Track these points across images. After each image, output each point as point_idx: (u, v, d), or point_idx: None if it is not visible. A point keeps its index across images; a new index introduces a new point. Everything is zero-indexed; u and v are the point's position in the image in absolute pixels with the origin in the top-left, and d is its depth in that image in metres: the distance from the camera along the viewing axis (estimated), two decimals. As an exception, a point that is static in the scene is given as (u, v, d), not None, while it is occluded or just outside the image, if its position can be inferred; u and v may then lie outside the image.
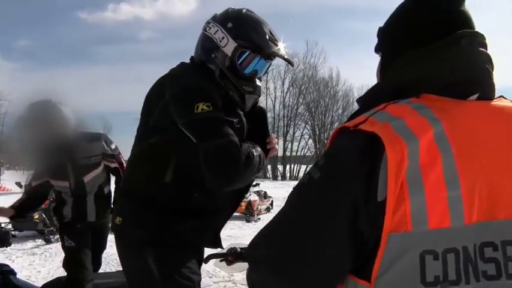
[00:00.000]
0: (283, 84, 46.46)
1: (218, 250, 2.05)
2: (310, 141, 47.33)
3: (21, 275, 4.50)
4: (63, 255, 3.51)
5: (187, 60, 1.99)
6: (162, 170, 1.78)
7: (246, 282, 0.97)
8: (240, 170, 1.63)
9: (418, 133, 0.79)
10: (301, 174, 44.04)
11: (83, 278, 3.23)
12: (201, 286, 1.92)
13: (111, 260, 6.68)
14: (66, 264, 3.41)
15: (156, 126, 1.78)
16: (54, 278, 3.74)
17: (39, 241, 8.14)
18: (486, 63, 0.90)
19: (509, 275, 0.81)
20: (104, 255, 7.20)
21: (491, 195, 0.81)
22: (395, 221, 0.77)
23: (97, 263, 3.65)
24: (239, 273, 2.07)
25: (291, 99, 46.62)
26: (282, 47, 1.92)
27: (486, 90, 0.90)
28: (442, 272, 0.77)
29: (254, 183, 13.70)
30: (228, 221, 2.06)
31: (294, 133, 47.22)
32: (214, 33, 1.85)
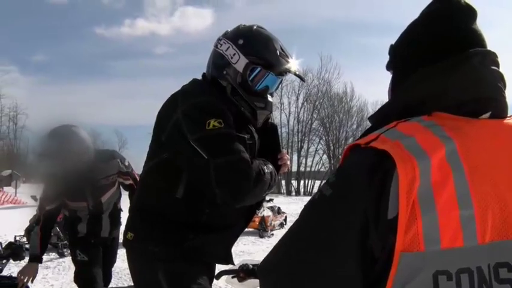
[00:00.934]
0: (297, 99, 46.58)
1: (230, 266, 2.03)
2: (325, 156, 47.22)
3: (35, 288, 4.51)
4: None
5: (200, 76, 2.01)
6: (173, 185, 1.78)
7: (257, 299, 0.96)
8: (250, 187, 1.63)
9: (430, 152, 0.78)
10: (315, 190, 43.78)
11: None
12: (212, 302, 1.90)
13: (123, 274, 6.68)
14: (77, 278, 3.41)
15: (168, 142, 1.78)
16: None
17: (53, 254, 8.17)
18: (498, 81, 0.90)
19: None
20: (115, 269, 7.19)
21: (504, 214, 0.80)
22: (408, 241, 0.76)
23: (108, 277, 3.64)
24: (251, 290, 2.06)
25: (305, 115, 46.68)
26: (293, 63, 1.92)
27: (498, 108, 0.89)
28: None
29: (268, 198, 13.69)
30: (241, 237, 2.05)
31: (308, 148, 47.15)
32: (226, 50, 1.86)
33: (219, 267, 2.03)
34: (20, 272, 3.10)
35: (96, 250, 3.44)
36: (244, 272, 1.94)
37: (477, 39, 0.93)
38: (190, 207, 1.79)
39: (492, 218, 0.79)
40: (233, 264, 1.99)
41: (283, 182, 45.45)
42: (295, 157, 46.79)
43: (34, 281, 3.14)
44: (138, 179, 3.32)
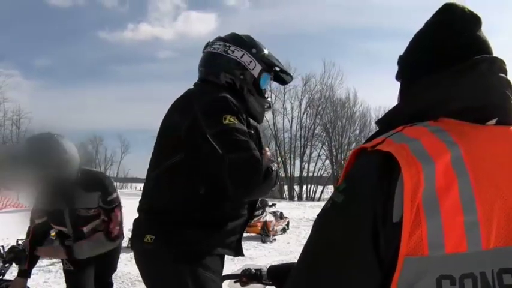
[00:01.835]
0: (300, 104, 46.61)
1: (232, 271, 2.03)
2: (327, 162, 47.12)
3: (37, 292, 4.51)
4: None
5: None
6: (195, 182, 1.83)
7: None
8: (260, 182, 1.73)
9: (435, 156, 0.78)
10: (317, 195, 43.82)
11: None
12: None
13: (125, 278, 6.68)
14: None
15: (188, 140, 1.82)
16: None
17: (55, 259, 8.18)
18: (506, 88, 0.90)
19: None
20: (117, 273, 7.20)
21: (508, 220, 0.80)
22: (412, 245, 0.76)
23: (108, 285, 3.52)
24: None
25: (308, 120, 46.69)
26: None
27: (505, 115, 0.90)
28: None
29: (270, 203, 13.68)
30: (243, 241, 2.06)
31: (310, 154, 47.09)
32: (241, 57, 2.05)
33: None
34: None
35: (84, 261, 3.14)
36: (246, 277, 1.95)
37: (483, 47, 0.94)
38: (212, 202, 1.85)
39: (497, 224, 0.79)
40: (243, 255, 2.03)
41: (285, 187, 45.42)
42: (297, 162, 46.82)
43: (36, 286, 3.11)
44: (115, 220, 3.08)
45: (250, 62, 2.05)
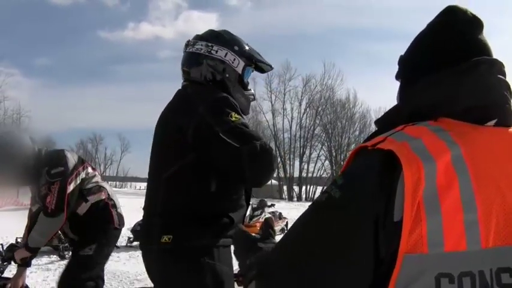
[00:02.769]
0: (300, 105, 46.74)
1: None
2: (327, 162, 47.22)
3: (35, 291, 4.51)
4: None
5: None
6: (206, 181, 1.89)
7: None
8: (272, 169, 1.88)
9: (436, 155, 0.79)
10: (316, 196, 43.75)
11: None
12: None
13: (123, 277, 6.69)
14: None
15: (196, 141, 1.87)
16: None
17: (54, 257, 8.18)
18: (505, 90, 0.91)
19: None
20: (117, 273, 7.18)
21: (508, 219, 0.80)
22: (411, 242, 0.76)
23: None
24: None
25: (307, 120, 46.82)
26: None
27: (504, 116, 0.90)
28: None
29: (269, 203, 13.69)
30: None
31: (310, 154, 47.20)
32: (225, 56, 2.10)
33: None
34: (13, 284, 3.08)
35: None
36: (243, 276, 1.95)
37: (483, 49, 0.95)
38: (224, 197, 1.93)
39: (496, 223, 0.79)
40: None
41: (285, 187, 45.44)
42: (297, 163, 46.87)
43: (35, 284, 3.12)
44: (54, 193, 3.06)
45: (234, 59, 2.10)
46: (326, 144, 47.06)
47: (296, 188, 46.16)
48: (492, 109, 0.89)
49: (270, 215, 12.45)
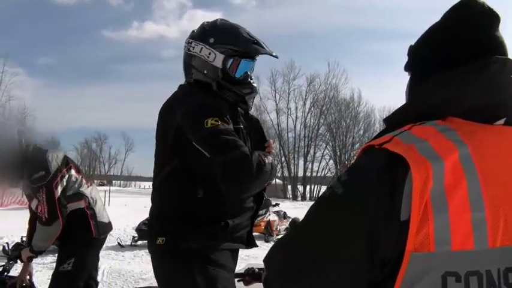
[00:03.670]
0: (304, 104, 46.67)
1: (236, 270, 2.04)
2: (331, 162, 47.19)
3: (41, 289, 4.53)
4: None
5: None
6: (192, 187, 1.85)
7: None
8: (252, 179, 1.72)
9: (443, 155, 0.78)
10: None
11: None
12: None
13: (128, 276, 6.70)
14: None
15: (176, 148, 1.86)
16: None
17: (59, 256, 8.20)
18: None
19: None
20: (122, 272, 7.20)
21: None
22: (418, 241, 0.76)
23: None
24: (256, 293, 2.06)
25: (312, 120, 46.75)
26: (263, 45, 2.01)
27: None
28: None
29: (274, 203, 13.68)
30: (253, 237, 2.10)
31: (314, 154, 47.16)
32: (200, 51, 1.96)
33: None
34: (20, 277, 3.11)
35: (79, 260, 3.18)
36: (250, 276, 1.95)
37: (498, 46, 0.93)
38: (213, 202, 1.86)
39: (504, 223, 0.79)
40: (256, 246, 2.05)
41: (289, 187, 45.42)
42: (301, 162, 46.83)
43: (40, 283, 3.14)
44: (43, 202, 2.99)
45: (210, 54, 1.95)
46: (330, 143, 47.02)
47: (300, 188, 46.10)
48: (502, 108, 0.89)
49: (274, 215, 12.46)
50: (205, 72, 1.97)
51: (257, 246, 2.05)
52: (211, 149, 1.73)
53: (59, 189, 3.03)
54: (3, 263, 3.11)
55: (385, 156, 0.81)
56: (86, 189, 3.23)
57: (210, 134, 1.74)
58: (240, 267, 2.09)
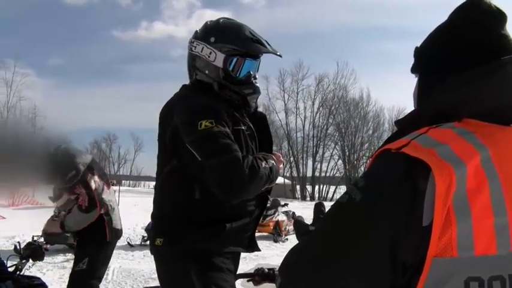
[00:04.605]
0: (313, 104, 46.49)
1: (245, 270, 2.04)
2: (340, 162, 46.91)
3: (52, 288, 4.57)
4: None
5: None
6: (190, 188, 1.84)
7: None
8: (245, 184, 1.69)
9: (465, 159, 0.77)
10: (330, 195, 43.58)
11: None
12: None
13: (138, 276, 6.73)
14: None
15: (173, 149, 1.86)
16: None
17: (70, 255, 8.21)
18: None
19: None
20: (132, 271, 7.24)
21: None
22: (441, 246, 0.76)
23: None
24: (266, 293, 2.07)
25: (320, 120, 46.52)
26: (266, 44, 1.98)
27: None
28: None
29: (282, 203, 13.65)
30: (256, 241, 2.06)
31: (323, 153, 46.91)
32: (201, 51, 1.94)
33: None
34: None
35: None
36: (259, 276, 1.96)
37: (507, 45, 0.91)
38: (211, 204, 1.83)
39: None
40: (259, 250, 2.02)
41: (298, 187, 45.31)
42: (310, 162, 46.68)
43: (51, 282, 3.18)
44: (82, 194, 3.34)
45: (210, 53, 1.92)
46: (339, 143, 46.76)
47: (309, 188, 45.95)
48: None
49: (283, 215, 12.43)
50: (206, 72, 1.96)
51: (259, 250, 2.03)
52: (203, 152, 1.72)
53: (93, 183, 3.39)
54: (16, 262, 3.13)
55: (404, 161, 0.80)
56: (107, 196, 3.51)
57: (202, 137, 1.73)
58: (249, 267, 2.09)
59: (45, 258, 3.28)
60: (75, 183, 3.34)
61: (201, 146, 1.73)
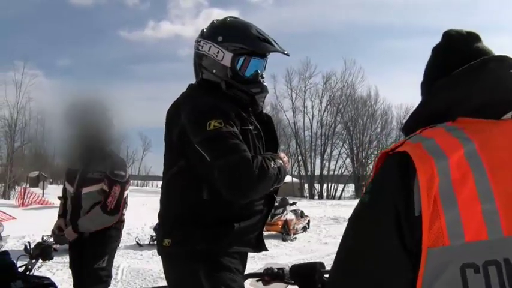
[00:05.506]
0: (320, 102, 46.46)
1: (254, 270, 2.04)
2: (348, 160, 46.84)
3: (61, 288, 4.60)
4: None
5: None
6: (198, 189, 1.83)
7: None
8: (254, 184, 1.69)
9: (448, 152, 0.84)
10: (338, 194, 43.56)
11: None
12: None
13: (147, 275, 6.76)
14: None
15: (181, 149, 1.85)
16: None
17: (79, 255, 8.31)
18: None
19: None
20: (140, 271, 7.26)
21: None
22: (433, 236, 0.80)
23: (84, 278, 3.51)
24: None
25: (328, 118, 46.50)
26: (273, 42, 1.97)
27: None
28: (485, 286, 0.77)
29: (291, 202, 13.65)
30: (264, 240, 2.06)
31: (331, 152, 46.86)
32: (209, 50, 1.94)
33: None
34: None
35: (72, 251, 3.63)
36: (269, 276, 1.95)
37: (489, 52, 1.02)
38: (219, 204, 1.83)
39: None
40: (266, 250, 2.01)
41: (306, 185, 45.30)
42: (318, 161, 46.63)
43: (61, 281, 3.20)
44: (113, 195, 3.46)
45: (218, 52, 1.91)
46: (347, 141, 46.69)
47: (317, 186, 45.92)
48: (506, 103, 0.92)
49: (291, 213, 12.43)
50: (214, 71, 1.95)
51: (267, 250, 2.02)
52: (212, 153, 1.72)
53: (126, 193, 3.59)
54: (26, 262, 3.15)
55: (397, 158, 0.88)
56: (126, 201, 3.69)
57: (211, 137, 1.72)
58: (258, 266, 2.09)
59: (55, 258, 3.29)
60: (116, 181, 3.49)
61: (210, 146, 1.72)
